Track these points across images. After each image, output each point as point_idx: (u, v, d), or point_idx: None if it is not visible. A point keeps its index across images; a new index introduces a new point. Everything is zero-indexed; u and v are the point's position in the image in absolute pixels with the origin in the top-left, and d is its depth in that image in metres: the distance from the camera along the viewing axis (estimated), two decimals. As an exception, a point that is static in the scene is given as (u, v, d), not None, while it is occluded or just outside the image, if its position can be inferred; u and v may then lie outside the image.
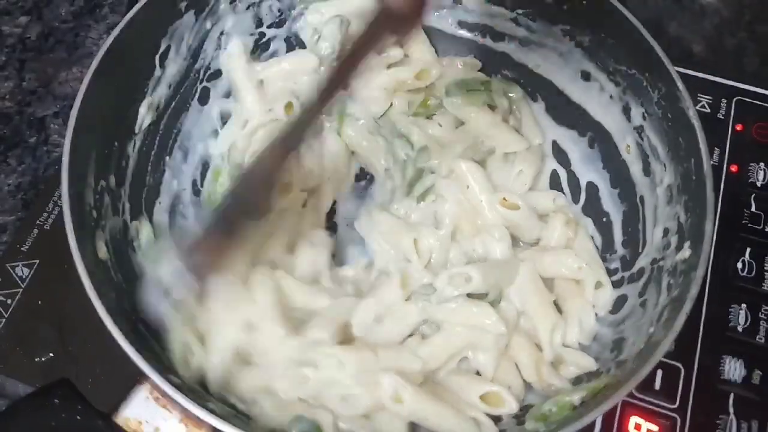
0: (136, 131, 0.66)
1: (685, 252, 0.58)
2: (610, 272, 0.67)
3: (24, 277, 0.66)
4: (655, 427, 0.62)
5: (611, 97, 0.70)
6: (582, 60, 0.71)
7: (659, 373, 0.64)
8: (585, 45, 0.70)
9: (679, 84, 0.61)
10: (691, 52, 0.85)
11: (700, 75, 0.79)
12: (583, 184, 0.73)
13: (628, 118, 0.69)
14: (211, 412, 0.49)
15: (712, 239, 0.56)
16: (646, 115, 0.66)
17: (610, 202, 0.71)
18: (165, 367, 0.55)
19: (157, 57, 0.67)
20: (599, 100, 0.71)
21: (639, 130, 0.67)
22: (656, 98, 0.65)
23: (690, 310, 0.53)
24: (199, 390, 0.57)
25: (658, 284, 0.60)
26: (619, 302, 0.64)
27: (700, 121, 0.60)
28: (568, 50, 0.72)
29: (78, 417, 0.56)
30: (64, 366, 0.61)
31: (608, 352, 0.61)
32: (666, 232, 0.63)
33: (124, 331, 0.51)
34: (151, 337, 0.58)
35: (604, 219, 0.70)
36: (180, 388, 0.51)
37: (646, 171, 0.67)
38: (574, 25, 0.70)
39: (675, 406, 0.63)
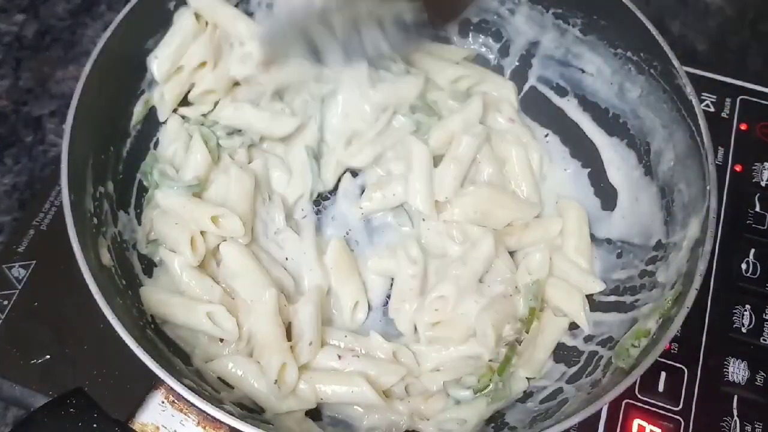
0: (131, 132, 0.66)
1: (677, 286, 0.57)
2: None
3: (20, 278, 0.65)
4: (658, 430, 0.62)
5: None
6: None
7: (663, 375, 0.64)
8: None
9: (688, 89, 0.61)
10: (695, 51, 0.85)
11: (704, 74, 0.78)
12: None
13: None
14: (229, 413, 0.49)
15: (715, 247, 0.56)
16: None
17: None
18: (176, 370, 0.55)
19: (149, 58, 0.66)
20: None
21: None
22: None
23: (691, 304, 0.53)
24: (215, 392, 0.56)
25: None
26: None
27: (705, 120, 0.59)
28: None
29: (94, 425, 0.55)
30: (61, 367, 0.61)
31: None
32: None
33: (136, 339, 0.50)
34: (160, 341, 0.58)
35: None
36: (197, 391, 0.50)
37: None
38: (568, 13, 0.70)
39: (679, 408, 0.62)
